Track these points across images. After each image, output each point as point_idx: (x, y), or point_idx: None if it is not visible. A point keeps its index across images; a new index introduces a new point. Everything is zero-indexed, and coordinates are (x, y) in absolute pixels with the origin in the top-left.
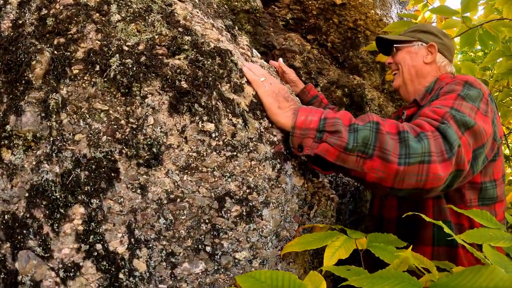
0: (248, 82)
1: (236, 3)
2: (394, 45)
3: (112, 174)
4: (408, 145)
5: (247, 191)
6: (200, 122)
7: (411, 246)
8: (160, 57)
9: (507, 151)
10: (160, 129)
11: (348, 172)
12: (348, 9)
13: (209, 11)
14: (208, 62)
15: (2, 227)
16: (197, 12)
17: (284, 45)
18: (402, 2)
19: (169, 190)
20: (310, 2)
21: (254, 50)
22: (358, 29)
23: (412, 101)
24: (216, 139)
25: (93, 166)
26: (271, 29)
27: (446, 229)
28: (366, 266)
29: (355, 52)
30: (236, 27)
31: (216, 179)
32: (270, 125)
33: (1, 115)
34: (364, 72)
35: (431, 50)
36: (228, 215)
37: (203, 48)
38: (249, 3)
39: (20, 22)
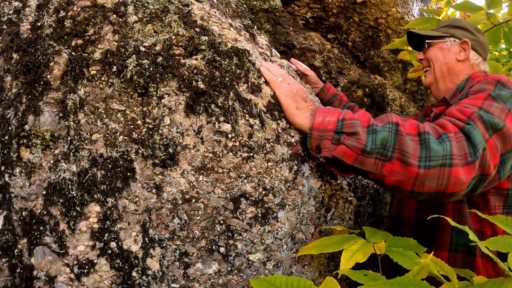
0: (266, 82)
1: (255, 2)
2: (426, 41)
3: (128, 174)
4: (429, 147)
5: (263, 192)
6: (216, 123)
7: (432, 252)
8: (177, 57)
9: None
10: (176, 129)
11: (366, 175)
12: (369, 7)
13: (228, 10)
14: (226, 62)
15: (19, 223)
16: (215, 12)
17: (304, 45)
18: (424, 1)
19: (184, 190)
20: (330, 1)
21: (273, 50)
22: (379, 28)
23: (441, 99)
24: (233, 139)
25: (110, 166)
26: (291, 28)
27: (472, 235)
28: (384, 270)
29: (376, 51)
30: (255, 27)
31: (232, 180)
32: (288, 126)
33: (20, 115)
34: (385, 71)
35: (464, 47)
36: (243, 216)
37: (220, 48)
38: (268, 2)
39: (39, 24)
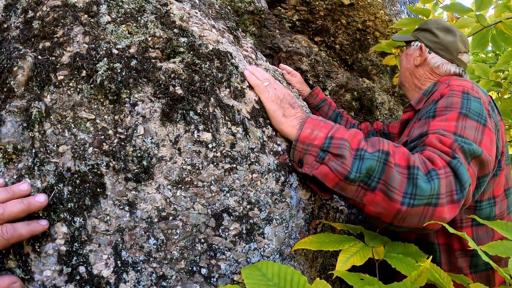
0: (250, 87)
1: (240, 4)
2: (397, 47)
3: (98, 190)
4: (416, 184)
5: (248, 207)
6: (195, 132)
7: (431, 257)
8: (153, 60)
9: None
10: (151, 139)
11: (346, 199)
12: (357, 10)
13: (210, 12)
14: (206, 66)
15: None
16: (196, 13)
17: (290, 47)
18: (412, 1)
19: (160, 207)
20: (317, 3)
21: (258, 53)
22: (367, 31)
23: (408, 105)
24: (214, 150)
25: (77, 181)
26: (277, 30)
27: (484, 257)
28: (381, 276)
29: (364, 54)
30: (240, 29)
31: (213, 194)
32: (274, 133)
33: None
34: (373, 74)
35: (420, 52)
36: (226, 233)
37: (201, 51)
38: (254, 4)
39: (5, 26)
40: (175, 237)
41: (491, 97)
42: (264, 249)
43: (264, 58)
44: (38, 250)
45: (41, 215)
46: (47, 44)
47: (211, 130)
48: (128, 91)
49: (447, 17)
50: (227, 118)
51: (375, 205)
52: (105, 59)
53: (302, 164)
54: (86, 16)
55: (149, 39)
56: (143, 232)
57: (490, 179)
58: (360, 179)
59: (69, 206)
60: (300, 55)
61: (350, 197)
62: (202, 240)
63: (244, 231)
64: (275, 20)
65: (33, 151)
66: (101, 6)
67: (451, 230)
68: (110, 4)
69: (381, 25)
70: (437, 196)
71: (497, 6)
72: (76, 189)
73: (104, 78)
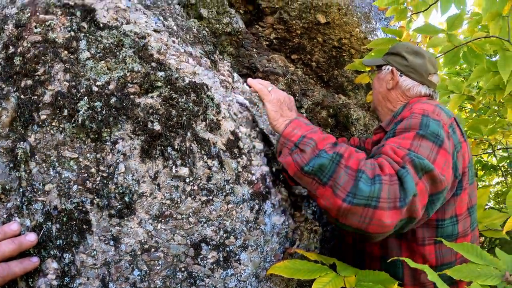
0: (226, 118)
1: (218, 26)
2: (369, 71)
3: (84, 227)
4: (357, 186)
5: (224, 235)
6: (173, 167)
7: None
8: (132, 96)
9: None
10: (131, 176)
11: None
12: (333, 28)
13: (188, 37)
14: (183, 100)
15: None
16: (173, 42)
17: (267, 67)
18: (387, 18)
19: (142, 240)
20: (294, 22)
21: (235, 75)
22: (343, 48)
23: (378, 126)
24: (191, 184)
25: (64, 219)
26: (255, 50)
27: (439, 284)
28: None
29: (340, 71)
30: (218, 51)
31: (192, 225)
32: (249, 162)
33: None
34: (349, 90)
35: (392, 76)
36: (205, 262)
37: (178, 84)
38: (231, 25)
39: None
40: (158, 268)
41: (455, 118)
42: (241, 274)
43: (242, 80)
44: (32, 285)
45: (32, 252)
46: (29, 82)
47: (188, 165)
48: (108, 130)
49: (421, 36)
50: (203, 152)
51: (324, 198)
52: (86, 97)
53: (280, 154)
54: (66, 52)
55: (128, 74)
56: (127, 265)
57: (451, 198)
58: (313, 173)
59: (58, 243)
60: (277, 75)
61: (307, 187)
62: (183, 269)
63: (221, 259)
64: (252, 39)
65: (21, 190)
66: (80, 41)
67: (412, 264)
68: (89, 40)
69: (356, 42)
70: (377, 200)
71: (470, 22)
72: (64, 227)
73: (85, 117)
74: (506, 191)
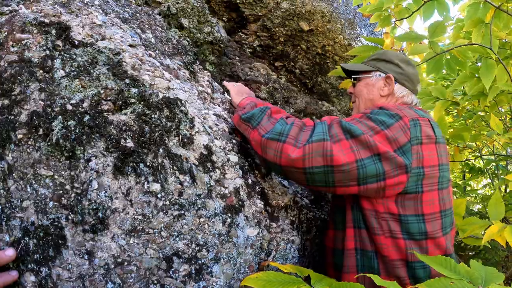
0: (199, 132)
1: (199, 35)
2: (353, 76)
3: (60, 242)
4: (274, 125)
5: (196, 248)
6: (145, 183)
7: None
8: (105, 114)
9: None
10: (104, 193)
11: (245, 139)
12: (316, 35)
13: (167, 48)
14: (156, 116)
15: None
16: (149, 56)
17: (249, 76)
18: (372, 24)
19: (115, 254)
20: (277, 29)
21: (216, 84)
22: (327, 55)
23: None
24: (163, 199)
25: (41, 234)
26: (237, 58)
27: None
28: None
29: (324, 77)
30: (198, 61)
31: (164, 239)
32: (222, 176)
33: None
34: (333, 97)
35: (388, 82)
36: (177, 274)
37: (151, 100)
38: (213, 34)
39: None
40: (130, 281)
41: (429, 120)
42: (213, 286)
43: (222, 90)
44: None
45: (11, 266)
46: (6, 102)
47: (159, 181)
48: (82, 148)
49: (406, 43)
50: (175, 167)
51: (254, 140)
52: (60, 116)
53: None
54: (41, 71)
55: (102, 91)
56: (101, 278)
57: (411, 194)
58: (247, 119)
59: (35, 257)
60: (259, 83)
61: (243, 133)
62: (155, 282)
63: (193, 271)
64: (235, 46)
65: (0, 207)
66: (55, 60)
67: (378, 282)
68: (64, 58)
69: (340, 49)
70: (286, 136)
71: (455, 27)
72: (40, 242)
73: (60, 136)
74: (492, 194)
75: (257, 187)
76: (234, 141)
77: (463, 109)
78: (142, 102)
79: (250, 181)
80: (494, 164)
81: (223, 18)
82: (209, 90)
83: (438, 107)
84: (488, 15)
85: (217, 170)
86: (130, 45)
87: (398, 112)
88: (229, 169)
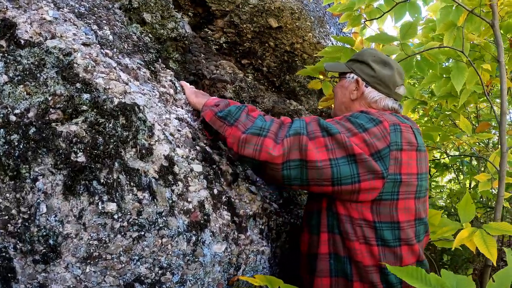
0: (159, 141)
1: (162, 31)
2: (331, 78)
3: (9, 275)
4: (254, 122)
5: (160, 272)
6: (100, 203)
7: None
8: (53, 124)
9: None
10: (54, 217)
11: (219, 138)
12: (285, 32)
13: (126, 46)
14: (110, 125)
15: None
16: (105, 56)
17: (215, 74)
18: (342, 23)
19: (71, 285)
20: (245, 25)
21: (178, 84)
22: (295, 53)
23: None
24: (120, 220)
25: None
26: (202, 55)
27: None
28: None
29: (292, 76)
30: (161, 59)
31: (124, 264)
32: (185, 189)
33: None
34: (301, 95)
35: (356, 86)
36: None
37: (105, 107)
38: (177, 30)
39: None
40: None
41: (412, 127)
42: None
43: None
44: None
45: None
46: None
47: (115, 200)
48: (27, 166)
49: (374, 44)
50: (132, 184)
51: (231, 136)
52: (2, 130)
53: (203, 117)
54: None
55: (49, 98)
56: None
57: (385, 201)
58: (224, 116)
59: None
60: (224, 82)
61: (218, 130)
62: None
63: None
64: (201, 43)
65: None
66: None
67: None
68: (8, 61)
69: (309, 47)
70: (267, 131)
71: (424, 27)
72: None
73: (1, 154)
74: (459, 190)
75: (223, 197)
76: (197, 147)
77: (430, 108)
78: (95, 110)
79: (215, 191)
80: (459, 160)
81: (189, 13)
82: (171, 91)
83: (406, 106)
84: (461, 18)
85: (179, 183)
86: (84, 44)
87: (379, 116)
88: (192, 181)
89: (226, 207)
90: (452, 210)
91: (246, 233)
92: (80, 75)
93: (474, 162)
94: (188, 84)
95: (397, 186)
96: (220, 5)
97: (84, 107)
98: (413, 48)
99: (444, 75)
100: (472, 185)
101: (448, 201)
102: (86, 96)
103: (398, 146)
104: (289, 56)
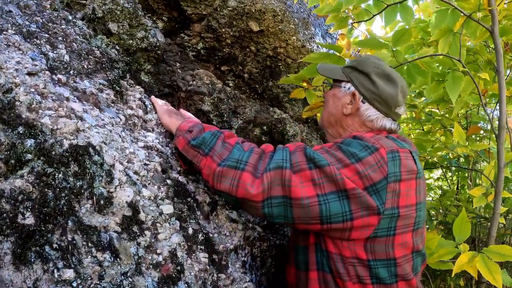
0: (121, 185)
1: (131, 42)
2: (323, 82)
3: None
4: (231, 152)
5: None
6: (55, 271)
7: None
8: None
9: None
10: None
11: (195, 167)
12: (267, 36)
13: (86, 65)
14: (60, 175)
15: None
16: (55, 85)
17: (191, 86)
18: (328, 24)
19: None
20: (224, 30)
21: (149, 102)
22: (278, 57)
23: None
24: (80, 287)
25: None
26: (178, 64)
27: None
28: None
29: (275, 82)
30: (129, 75)
31: None
32: (154, 239)
33: None
34: (285, 102)
35: (352, 99)
36: None
37: (53, 152)
38: (147, 40)
39: None
40: None
41: (411, 152)
42: None
43: (159, 105)
44: None
45: None
46: None
47: (72, 265)
48: None
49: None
50: (90, 244)
51: (206, 168)
52: None
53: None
54: None
55: None
56: None
57: (382, 238)
58: (198, 145)
59: None
60: (202, 94)
61: (192, 160)
62: None
63: None
64: (176, 50)
65: None
66: None
67: None
68: None
69: (293, 51)
70: (245, 163)
71: (414, 27)
72: None
73: None
74: (448, 191)
75: (200, 235)
76: (168, 181)
77: (421, 112)
78: (41, 158)
79: (190, 231)
80: (448, 160)
81: (163, 18)
82: (140, 112)
83: None
84: (458, 24)
85: (146, 232)
86: (29, 74)
87: (374, 143)
88: (162, 226)
89: (203, 247)
90: (440, 209)
91: (227, 271)
92: (23, 116)
93: (462, 159)
94: (159, 101)
95: (394, 221)
96: (197, 8)
97: (29, 156)
98: (400, 49)
99: (436, 78)
100: (459, 185)
101: (437, 202)
102: (30, 142)
103: (396, 177)
104: (272, 61)
